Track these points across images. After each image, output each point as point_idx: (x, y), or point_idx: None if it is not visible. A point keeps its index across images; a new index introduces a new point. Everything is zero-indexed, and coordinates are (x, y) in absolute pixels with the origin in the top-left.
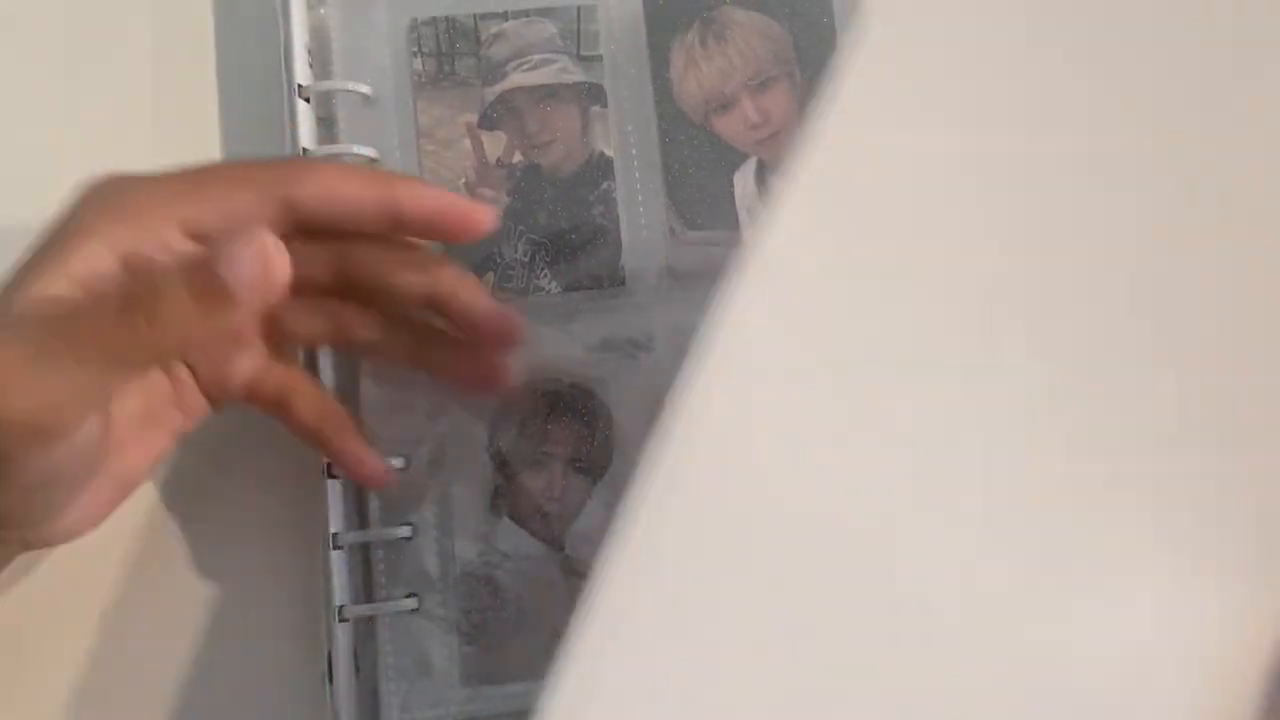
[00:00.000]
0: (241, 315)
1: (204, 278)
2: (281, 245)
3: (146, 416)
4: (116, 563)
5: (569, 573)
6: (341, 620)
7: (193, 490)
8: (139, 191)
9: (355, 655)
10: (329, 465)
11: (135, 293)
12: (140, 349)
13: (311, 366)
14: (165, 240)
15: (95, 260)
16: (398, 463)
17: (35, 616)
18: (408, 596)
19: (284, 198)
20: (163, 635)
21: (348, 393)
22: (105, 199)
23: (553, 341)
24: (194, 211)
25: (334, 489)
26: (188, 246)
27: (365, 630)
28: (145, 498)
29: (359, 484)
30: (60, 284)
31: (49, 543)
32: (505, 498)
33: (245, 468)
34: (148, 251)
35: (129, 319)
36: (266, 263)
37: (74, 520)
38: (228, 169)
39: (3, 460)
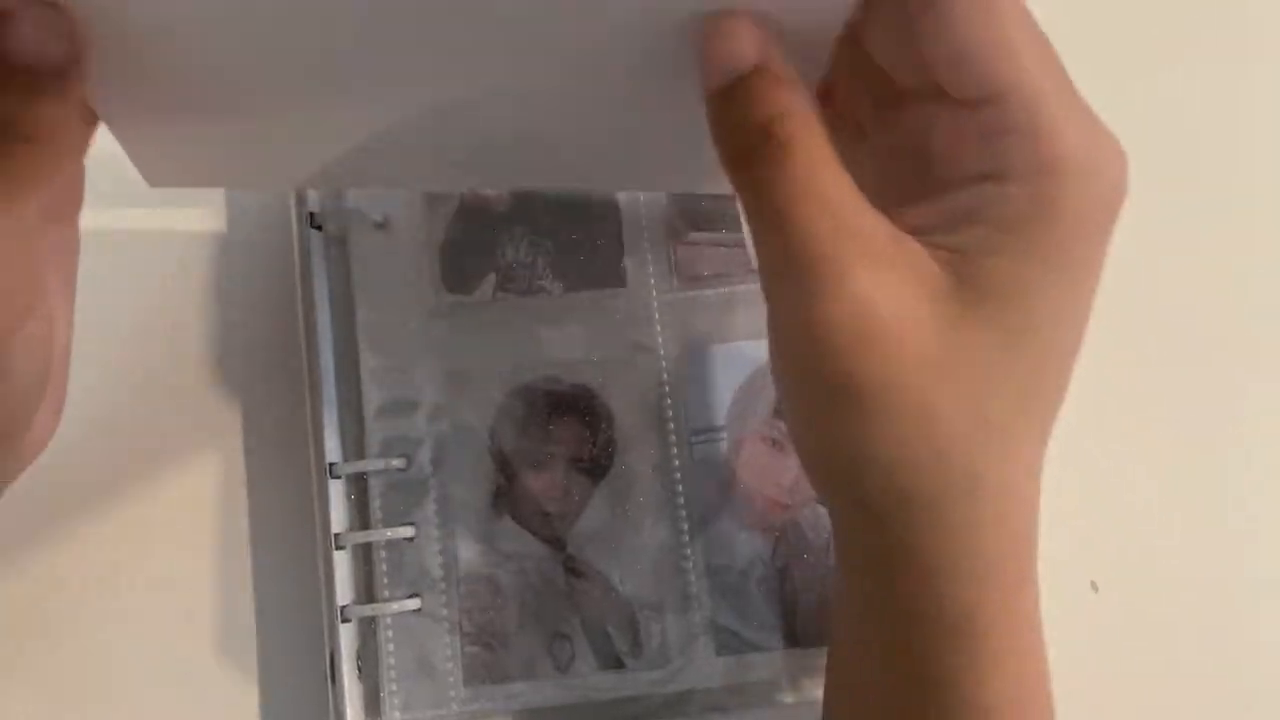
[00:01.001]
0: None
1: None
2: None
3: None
4: (116, 564)
5: (571, 573)
6: (344, 620)
7: (194, 489)
8: None
9: (357, 655)
10: (331, 465)
11: None
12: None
13: (314, 368)
14: None
15: None
16: (398, 463)
17: (35, 616)
18: (410, 596)
19: None
20: (163, 635)
21: (349, 392)
22: None
23: (554, 341)
24: None
25: (336, 489)
26: None
27: (367, 630)
28: (146, 498)
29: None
30: None
31: (21, 462)
32: (507, 498)
33: (246, 467)
34: None
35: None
36: (42, 20)
37: (40, 427)
38: None
39: None
